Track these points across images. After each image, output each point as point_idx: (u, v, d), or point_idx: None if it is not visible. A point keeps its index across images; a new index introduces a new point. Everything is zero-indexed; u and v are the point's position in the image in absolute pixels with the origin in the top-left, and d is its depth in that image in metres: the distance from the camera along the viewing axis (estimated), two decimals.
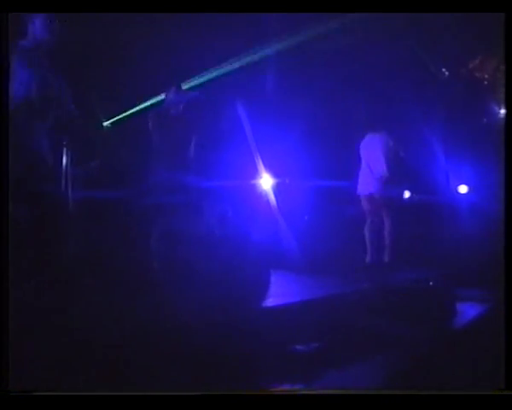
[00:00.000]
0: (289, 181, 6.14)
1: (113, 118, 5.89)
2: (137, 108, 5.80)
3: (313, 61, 5.68)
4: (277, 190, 5.78)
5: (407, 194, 6.17)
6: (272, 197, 5.60)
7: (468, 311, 3.87)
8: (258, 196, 5.56)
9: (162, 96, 4.97)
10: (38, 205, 4.52)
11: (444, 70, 6.04)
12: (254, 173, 5.46)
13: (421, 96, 5.82)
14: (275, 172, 5.74)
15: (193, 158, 4.97)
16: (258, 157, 5.20)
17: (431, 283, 4.42)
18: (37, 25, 3.48)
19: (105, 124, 5.88)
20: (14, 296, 2.45)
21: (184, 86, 5.38)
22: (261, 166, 5.39)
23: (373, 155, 5.46)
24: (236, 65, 5.43)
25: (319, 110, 6.24)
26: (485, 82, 6.32)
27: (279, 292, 3.93)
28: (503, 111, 3.45)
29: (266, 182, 5.66)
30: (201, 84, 5.68)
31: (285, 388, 2.40)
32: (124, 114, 5.85)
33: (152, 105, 5.61)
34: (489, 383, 2.36)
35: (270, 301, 3.64)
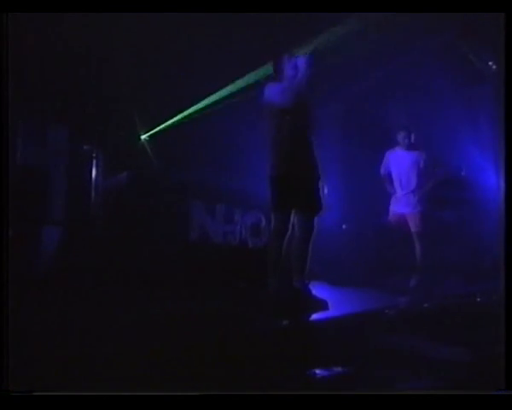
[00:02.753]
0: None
1: (149, 131, 5.99)
2: (173, 120, 5.86)
3: (349, 63, 5.58)
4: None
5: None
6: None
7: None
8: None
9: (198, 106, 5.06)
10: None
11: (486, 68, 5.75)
12: None
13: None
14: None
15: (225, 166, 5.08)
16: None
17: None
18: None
19: (142, 137, 5.99)
20: (14, 296, 2.45)
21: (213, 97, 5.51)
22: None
23: (405, 169, 5.34)
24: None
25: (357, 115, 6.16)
26: None
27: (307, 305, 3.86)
28: None
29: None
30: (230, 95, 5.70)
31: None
32: (160, 127, 5.93)
33: (189, 116, 5.71)
34: (489, 383, 2.36)
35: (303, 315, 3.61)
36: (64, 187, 4.74)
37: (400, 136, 5.41)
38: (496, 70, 5.42)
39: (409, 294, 4.74)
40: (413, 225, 5.24)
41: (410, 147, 5.36)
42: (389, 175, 5.46)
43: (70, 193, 4.75)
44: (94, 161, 4.96)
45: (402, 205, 5.32)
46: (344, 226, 6.23)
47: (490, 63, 5.57)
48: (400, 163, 5.39)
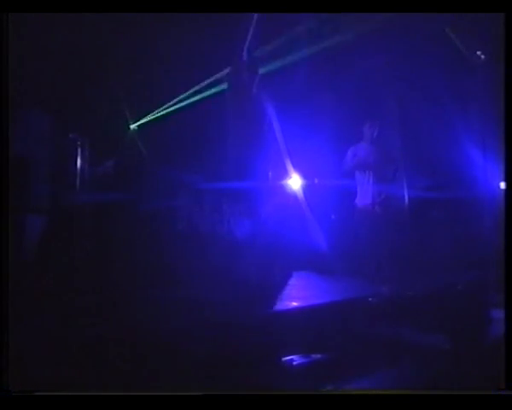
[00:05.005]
0: (318, 181, 6.09)
1: (139, 120, 6.00)
2: (162, 111, 5.88)
3: (343, 58, 5.59)
4: (306, 190, 5.73)
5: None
6: (300, 197, 5.58)
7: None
8: (286, 196, 5.52)
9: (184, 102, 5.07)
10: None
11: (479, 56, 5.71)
12: (283, 174, 5.45)
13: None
14: (303, 173, 5.70)
15: (222, 160, 5.04)
16: (287, 158, 5.19)
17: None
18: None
19: (132, 126, 6.00)
20: (14, 296, 2.46)
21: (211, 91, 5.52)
22: (290, 167, 5.38)
23: (383, 153, 5.40)
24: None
25: (348, 109, 6.16)
26: None
27: (300, 295, 3.90)
28: None
29: (295, 182, 5.64)
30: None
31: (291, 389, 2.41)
32: (149, 117, 5.94)
33: (176, 109, 5.72)
34: (489, 383, 2.36)
35: (288, 304, 3.59)
36: (49, 176, 4.71)
37: (366, 128, 5.49)
38: (485, 60, 5.43)
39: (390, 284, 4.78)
40: (384, 213, 5.31)
41: (374, 139, 5.42)
42: (357, 167, 5.51)
43: (55, 182, 4.72)
44: (79, 150, 4.95)
45: (369, 196, 5.38)
46: (333, 217, 6.26)
47: (479, 53, 5.56)
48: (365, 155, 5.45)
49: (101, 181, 5.10)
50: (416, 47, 5.52)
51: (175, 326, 2.84)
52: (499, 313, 2.61)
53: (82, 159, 4.82)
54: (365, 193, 5.43)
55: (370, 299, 3.67)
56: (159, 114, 5.93)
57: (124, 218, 4.85)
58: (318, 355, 2.81)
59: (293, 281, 4.38)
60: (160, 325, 2.87)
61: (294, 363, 2.73)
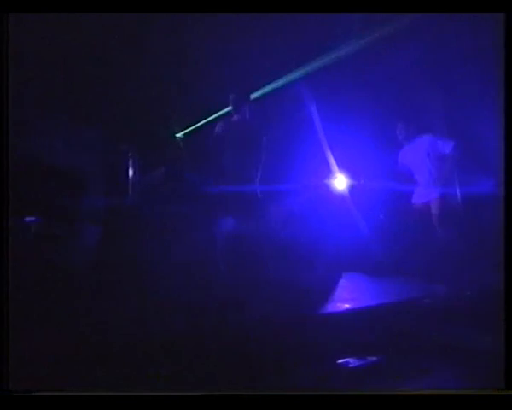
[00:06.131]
0: (364, 182, 5.92)
1: (185, 129, 6.04)
2: (208, 118, 5.90)
3: (387, 59, 5.54)
4: (352, 190, 5.66)
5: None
6: (346, 198, 5.53)
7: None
8: (332, 197, 5.51)
9: (230, 107, 5.10)
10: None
11: None
12: (328, 175, 5.43)
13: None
14: (349, 173, 5.64)
15: (265, 162, 5.09)
16: (332, 158, 5.18)
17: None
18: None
19: (178, 135, 6.04)
20: (14, 296, 2.46)
21: (253, 95, 5.54)
22: (335, 168, 5.35)
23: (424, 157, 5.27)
24: (307, 68, 5.45)
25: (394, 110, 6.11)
26: None
27: (349, 296, 3.89)
28: None
29: (340, 183, 5.58)
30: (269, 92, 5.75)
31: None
32: (195, 125, 5.98)
33: (222, 115, 5.73)
34: (489, 383, 2.36)
35: (339, 306, 3.59)
36: (102, 185, 4.80)
37: (399, 129, 5.44)
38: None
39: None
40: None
41: (427, 139, 5.35)
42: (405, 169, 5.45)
43: (108, 191, 4.82)
44: (130, 160, 5.09)
45: (424, 196, 5.32)
46: (381, 216, 6.16)
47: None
48: (411, 156, 5.38)
49: (151, 189, 5.22)
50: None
51: (225, 327, 2.90)
52: None
53: (133, 168, 4.98)
54: (420, 193, 5.32)
55: (425, 300, 3.64)
56: (203, 122, 5.97)
57: (173, 224, 4.93)
58: (374, 358, 2.78)
59: (343, 282, 4.36)
60: (215, 326, 2.91)
61: (350, 365, 2.72)
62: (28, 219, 4.06)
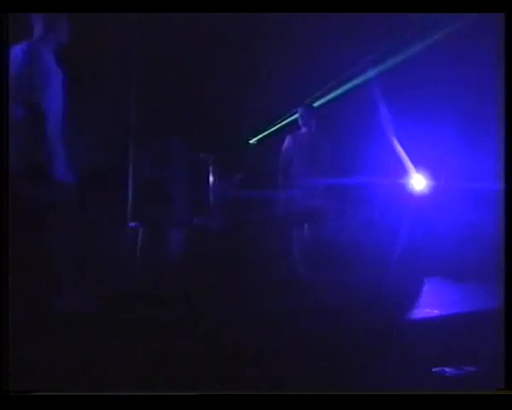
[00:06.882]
0: (444, 182, 5.77)
1: (258, 135, 6.13)
2: (278, 125, 5.99)
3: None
4: (430, 191, 5.58)
5: None
6: (424, 199, 5.46)
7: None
8: (409, 198, 5.47)
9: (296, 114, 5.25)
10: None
11: None
12: (406, 175, 5.42)
13: None
14: (427, 173, 5.57)
15: (348, 168, 5.19)
16: (407, 158, 5.14)
17: None
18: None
19: (251, 141, 6.13)
20: (13, 296, 2.45)
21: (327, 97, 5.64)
22: (413, 167, 5.32)
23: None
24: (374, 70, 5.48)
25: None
26: None
27: (433, 302, 3.86)
28: None
29: (418, 183, 5.51)
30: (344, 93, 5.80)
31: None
32: (268, 131, 6.06)
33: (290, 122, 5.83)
34: (489, 383, 2.36)
35: (422, 312, 3.57)
36: (185, 192, 4.93)
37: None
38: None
39: None
40: None
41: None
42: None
43: (191, 197, 4.92)
44: (210, 168, 5.27)
45: None
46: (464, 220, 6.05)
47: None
48: None
49: (230, 196, 5.34)
50: None
51: (314, 331, 2.93)
52: None
53: (213, 176, 5.15)
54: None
55: None
56: (275, 128, 6.04)
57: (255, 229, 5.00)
58: (471, 367, 2.69)
59: (427, 288, 4.33)
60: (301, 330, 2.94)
61: (446, 373, 2.65)
62: (132, 224, 4.42)
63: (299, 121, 5.14)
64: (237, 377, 2.43)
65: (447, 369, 2.66)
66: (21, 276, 2.80)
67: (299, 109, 5.16)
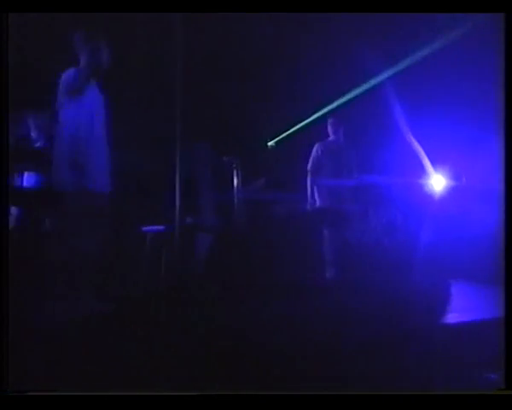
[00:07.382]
0: (466, 181, 5.65)
1: (276, 137, 6.18)
2: (296, 126, 6.07)
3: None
4: (452, 191, 5.49)
5: None
6: (446, 199, 5.39)
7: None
8: (431, 198, 5.43)
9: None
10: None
11: None
12: (426, 175, 5.39)
13: None
14: (448, 173, 5.51)
15: (368, 170, 5.36)
16: (426, 158, 5.12)
17: None
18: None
19: (269, 143, 6.19)
20: (13, 296, 2.45)
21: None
22: (432, 167, 5.29)
23: None
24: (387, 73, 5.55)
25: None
26: None
27: (461, 306, 3.80)
28: None
29: (439, 183, 5.44)
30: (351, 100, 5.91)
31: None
32: (286, 133, 6.15)
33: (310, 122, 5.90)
34: (489, 383, 2.36)
35: (450, 317, 3.51)
36: (211, 196, 5.01)
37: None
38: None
39: None
40: None
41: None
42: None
43: (216, 201, 5.01)
44: (234, 171, 5.34)
45: None
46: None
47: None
48: None
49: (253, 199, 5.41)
50: None
51: (339, 333, 2.94)
52: None
53: (237, 179, 5.23)
54: None
55: None
56: (293, 130, 6.11)
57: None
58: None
59: (454, 291, 4.26)
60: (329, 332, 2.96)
61: (491, 379, 2.60)
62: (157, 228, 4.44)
63: (329, 130, 5.43)
64: (268, 377, 2.43)
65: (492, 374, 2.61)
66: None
67: (329, 119, 5.47)
